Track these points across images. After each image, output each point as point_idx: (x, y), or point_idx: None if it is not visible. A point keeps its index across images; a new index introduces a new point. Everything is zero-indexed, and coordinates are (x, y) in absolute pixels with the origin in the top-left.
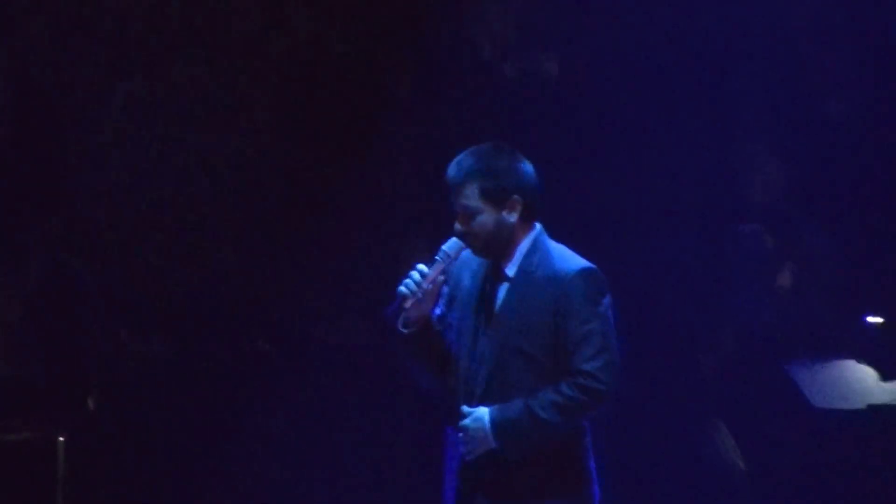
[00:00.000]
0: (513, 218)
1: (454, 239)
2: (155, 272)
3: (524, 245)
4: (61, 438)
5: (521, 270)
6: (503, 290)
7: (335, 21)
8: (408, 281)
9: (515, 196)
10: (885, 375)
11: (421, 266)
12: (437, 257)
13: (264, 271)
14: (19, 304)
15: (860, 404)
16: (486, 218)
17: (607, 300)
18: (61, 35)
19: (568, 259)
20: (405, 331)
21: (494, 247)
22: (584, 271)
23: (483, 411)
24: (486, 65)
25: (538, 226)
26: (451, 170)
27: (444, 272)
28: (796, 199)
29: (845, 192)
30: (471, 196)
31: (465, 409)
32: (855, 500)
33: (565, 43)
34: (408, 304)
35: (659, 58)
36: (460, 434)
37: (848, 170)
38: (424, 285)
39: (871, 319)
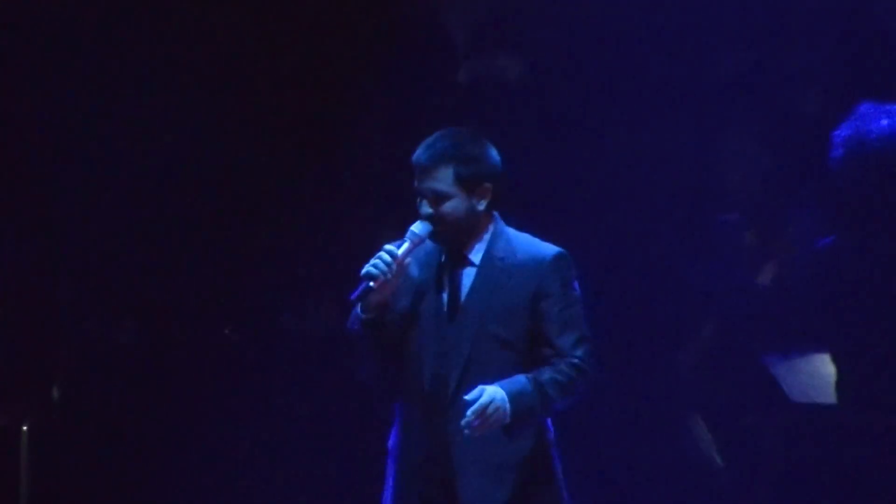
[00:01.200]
0: (482, 205)
1: (422, 221)
2: (123, 259)
3: (487, 232)
4: (25, 427)
5: (488, 257)
6: (468, 276)
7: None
8: (376, 261)
9: (487, 183)
10: None
11: (388, 246)
12: (406, 238)
13: (232, 259)
14: None
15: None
16: (458, 203)
17: (577, 284)
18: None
19: (538, 244)
20: (364, 316)
21: (460, 233)
22: (561, 255)
23: (494, 388)
24: (457, 53)
25: (496, 213)
26: (424, 152)
27: (409, 254)
28: (778, 189)
29: (826, 182)
30: (444, 180)
31: (476, 393)
32: (833, 494)
33: (542, 31)
34: (375, 285)
35: (640, 46)
36: (475, 410)
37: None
38: (394, 266)
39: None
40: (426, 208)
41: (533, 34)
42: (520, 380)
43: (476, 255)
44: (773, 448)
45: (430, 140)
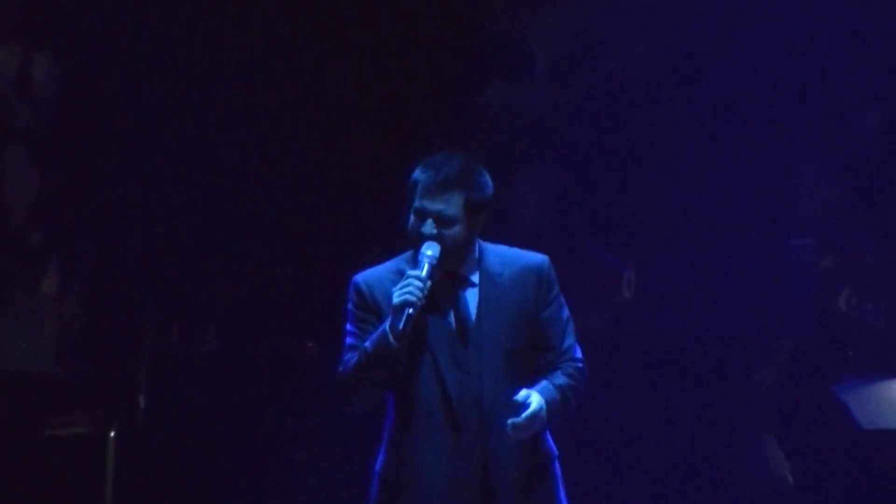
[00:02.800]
0: (478, 231)
1: (431, 242)
2: (206, 273)
3: (475, 250)
4: (112, 433)
5: (485, 274)
6: (471, 296)
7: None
8: (410, 288)
9: (486, 211)
10: None
11: (414, 272)
12: (425, 262)
13: (315, 273)
14: (72, 301)
15: None
16: (462, 229)
17: None
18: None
19: (522, 254)
20: (398, 345)
21: (458, 256)
22: (548, 261)
23: (538, 395)
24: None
25: None
26: (435, 174)
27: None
28: (852, 214)
29: None
30: (454, 205)
31: (519, 396)
32: None
33: (614, 48)
34: (414, 312)
35: (713, 68)
36: (530, 416)
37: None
38: (426, 290)
39: None
40: (430, 228)
41: (607, 58)
42: (548, 387)
43: (473, 274)
44: (842, 471)
45: (436, 161)
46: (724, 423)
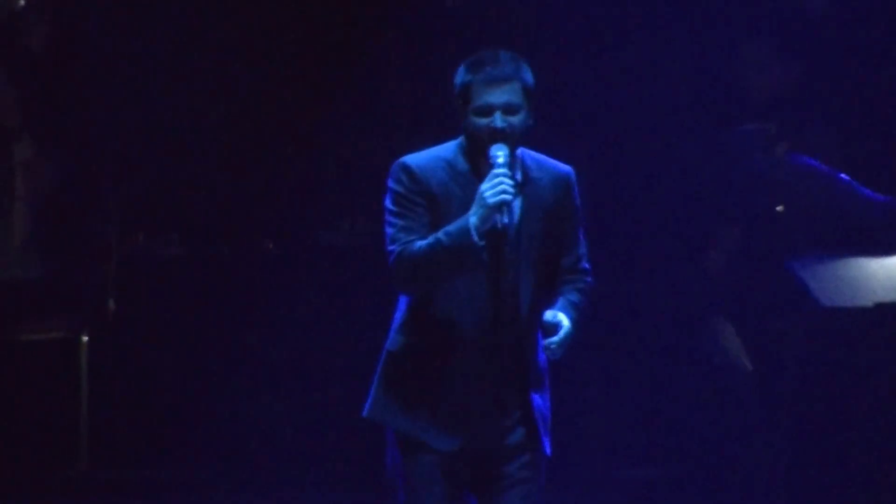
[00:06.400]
0: (532, 120)
1: (499, 145)
2: (169, 177)
3: (517, 150)
4: (85, 338)
5: (525, 176)
6: (517, 194)
7: None
8: (503, 186)
9: (534, 99)
10: (893, 271)
11: (501, 171)
12: (502, 162)
13: (272, 174)
14: (39, 209)
15: (868, 302)
16: (525, 116)
17: None
18: None
19: (552, 161)
20: (482, 242)
21: (515, 148)
22: (573, 172)
23: (561, 315)
24: None
25: None
26: (491, 68)
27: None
28: (801, 98)
29: (849, 88)
30: (517, 93)
31: (549, 316)
32: (861, 398)
33: None
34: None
35: None
36: (562, 341)
37: (846, 67)
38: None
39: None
40: (500, 121)
41: None
42: (567, 308)
43: (517, 174)
44: (802, 352)
45: (485, 58)
46: (680, 311)
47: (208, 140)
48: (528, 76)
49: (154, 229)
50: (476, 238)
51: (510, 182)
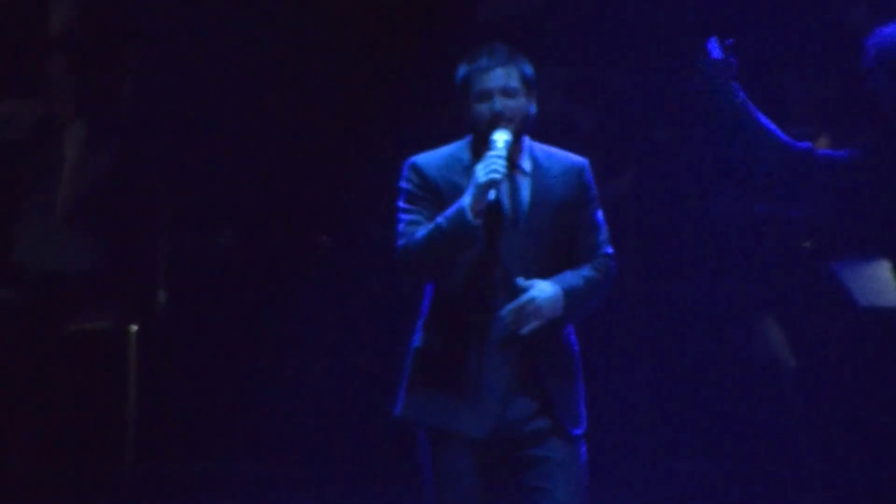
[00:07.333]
0: (534, 110)
1: (502, 130)
2: (222, 169)
3: (523, 140)
4: (134, 328)
5: (535, 165)
6: (524, 184)
7: None
8: (495, 166)
9: (535, 91)
10: None
11: (496, 152)
12: (502, 145)
13: (325, 168)
14: (90, 199)
15: None
16: (524, 102)
17: None
18: None
19: (565, 154)
20: (476, 221)
21: (518, 136)
22: (588, 164)
23: (543, 283)
24: None
25: None
26: (486, 58)
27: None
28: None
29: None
30: (514, 78)
31: (521, 281)
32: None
33: None
34: (496, 188)
35: None
36: (511, 305)
37: None
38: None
39: None
40: (500, 104)
41: None
42: (567, 276)
43: (525, 163)
44: (841, 352)
45: (480, 51)
46: (724, 309)
47: (262, 133)
48: (526, 66)
49: (207, 222)
50: (470, 217)
51: (503, 162)
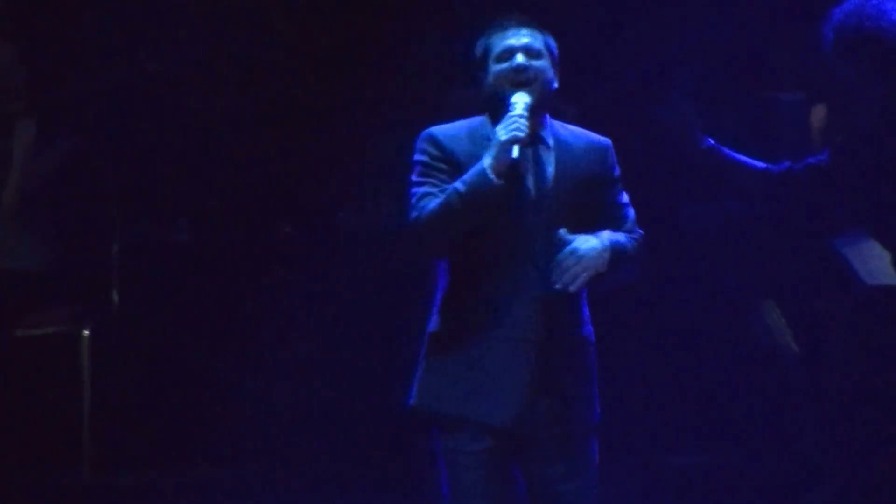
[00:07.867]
0: (556, 84)
1: (521, 92)
2: (176, 160)
3: (546, 116)
4: (86, 332)
5: (558, 140)
6: (547, 159)
7: None
8: (517, 125)
9: (556, 67)
10: None
11: (516, 112)
12: (522, 107)
13: (286, 155)
14: (38, 196)
15: None
16: (547, 66)
17: None
18: None
19: (588, 132)
20: (498, 182)
21: (542, 104)
22: (611, 144)
23: (587, 236)
24: None
25: None
26: (507, 21)
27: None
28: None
29: None
30: (538, 40)
31: (563, 233)
32: None
33: None
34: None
35: None
36: (559, 261)
37: None
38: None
39: None
40: (522, 59)
41: None
42: (606, 233)
43: (549, 137)
44: (845, 333)
45: (503, 18)
46: (725, 294)
47: (218, 118)
48: (550, 38)
49: (161, 214)
50: (492, 176)
51: (525, 122)
